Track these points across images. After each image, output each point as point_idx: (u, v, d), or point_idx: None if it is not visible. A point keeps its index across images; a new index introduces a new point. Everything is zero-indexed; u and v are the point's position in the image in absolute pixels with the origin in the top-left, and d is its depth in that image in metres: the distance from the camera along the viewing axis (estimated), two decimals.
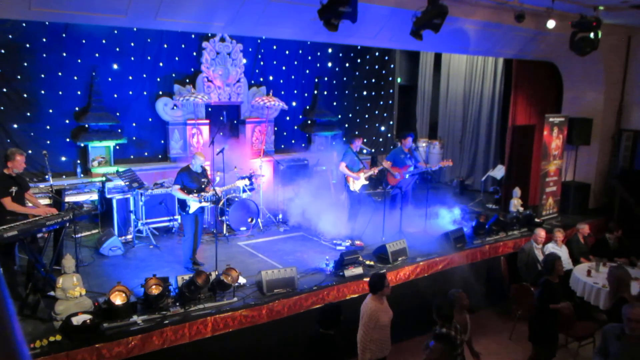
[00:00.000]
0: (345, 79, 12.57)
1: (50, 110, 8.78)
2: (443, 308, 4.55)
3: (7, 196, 5.56)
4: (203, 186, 6.74)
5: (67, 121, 8.96)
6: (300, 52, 11.66)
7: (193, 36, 10.00)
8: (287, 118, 11.71)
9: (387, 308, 5.09)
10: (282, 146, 11.70)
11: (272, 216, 9.16)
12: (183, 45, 9.99)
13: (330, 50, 12.15)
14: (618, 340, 4.57)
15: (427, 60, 13.78)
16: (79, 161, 9.09)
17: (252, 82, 10.96)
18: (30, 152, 8.52)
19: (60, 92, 8.83)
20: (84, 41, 8.85)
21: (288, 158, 10.97)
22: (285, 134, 11.79)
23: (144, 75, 9.65)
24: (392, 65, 13.47)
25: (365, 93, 13.06)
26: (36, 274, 5.60)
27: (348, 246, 7.69)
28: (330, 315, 4.56)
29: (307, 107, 12.07)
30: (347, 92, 12.69)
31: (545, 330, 5.80)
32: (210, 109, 10.48)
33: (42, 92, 8.65)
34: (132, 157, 9.73)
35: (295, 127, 11.99)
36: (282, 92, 11.27)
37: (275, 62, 11.35)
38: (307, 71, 11.89)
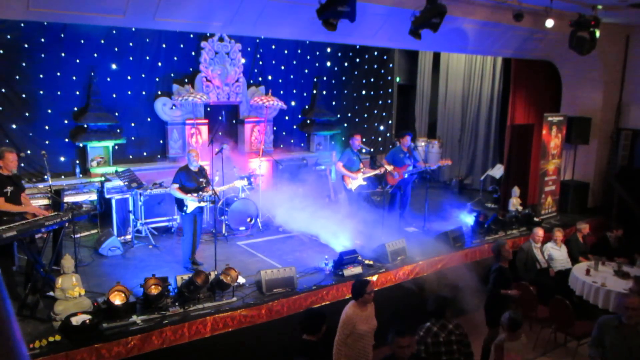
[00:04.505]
0: (344, 78, 12.57)
1: (49, 111, 8.77)
2: (431, 304, 4.74)
3: (1, 196, 5.51)
4: (202, 186, 6.73)
5: (65, 121, 8.96)
6: (299, 51, 11.66)
7: (192, 36, 10.00)
8: (286, 117, 11.71)
9: (368, 317, 4.91)
10: (281, 146, 11.70)
11: (271, 216, 9.15)
12: (182, 45, 9.98)
13: (329, 50, 12.14)
14: (615, 330, 4.60)
15: (426, 60, 13.79)
16: (77, 161, 9.08)
17: (251, 81, 10.96)
18: (29, 152, 8.52)
19: (59, 92, 8.82)
20: (82, 41, 8.84)
21: (287, 157, 10.98)
22: (284, 133, 11.79)
23: (143, 75, 9.64)
24: (391, 65, 13.47)
25: (364, 92, 13.06)
26: (35, 274, 5.60)
27: (347, 246, 7.68)
28: (312, 320, 4.40)
29: (306, 107, 12.07)
30: (346, 91, 12.69)
31: (500, 313, 5.89)
32: (209, 109, 10.48)
33: (41, 92, 8.64)
34: (131, 157, 9.72)
35: (294, 127, 12.00)
36: (281, 92, 11.27)
37: (274, 62, 11.35)
38: (306, 71, 11.89)
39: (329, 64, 12.24)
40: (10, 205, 5.56)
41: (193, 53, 10.13)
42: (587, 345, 5.73)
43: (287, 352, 5.87)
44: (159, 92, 9.85)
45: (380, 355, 5.47)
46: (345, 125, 12.65)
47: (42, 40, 8.52)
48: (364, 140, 9.07)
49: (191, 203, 6.65)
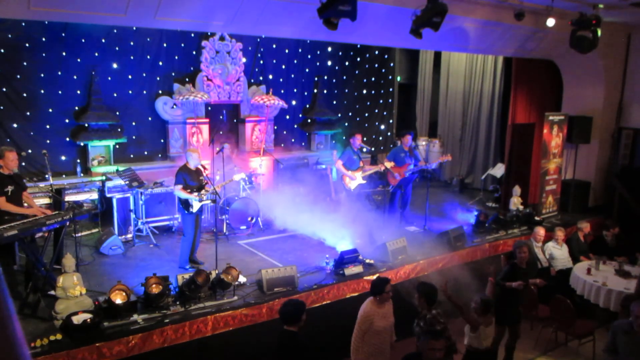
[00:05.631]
0: (345, 77, 12.57)
1: (50, 110, 8.77)
2: (431, 294, 4.86)
3: (2, 196, 5.51)
4: (202, 184, 6.74)
5: (66, 120, 8.96)
6: (300, 50, 11.66)
7: (192, 35, 9.99)
8: (287, 117, 11.71)
9: (386, 313, 4.94)
10: (282, 145, 11.70)
11: (272, 217, 9.13)
12: (182, 44, 9.98)
13: (329, 49, 12.14)
14: (626, 336, 4.61)
15: (426, 59, 13.77)
16: (78, 160, 9.09)
17: (252, 80, 10.95)
18: (30, 151, 8.53)
19: (60, 92, 8.82)
20: (83, 40, 8.84)
21: (288, 157, 10.99)
22: (285, 132, 11.78)
23: (144, 74, 9.64)
24: (391, 64, 13.46)
25: (365, 92, 13.06)
26: (36, 273, 5.60)
27: (348, 245, 7.67)
28: (292, 310, 4.38)
29: (307, 106, 12.07)
30: (346, 90, 12.68)
31: (508, 309, 5.98)
32: (209, 108, 10.49)
33: (42, 91, 8.64)
34: (132, 156, 9.72)
35: (295, 126, 11.99)
36: (282, 91, 11.27)
37: (274, 61, 11.35)
38: (307, 70, 11.89)
39: (329, 63, 12.24)
40: (10, 206, 5.55)
41: (194, 52, 10.13)
42: (602, 350, 5.76)
43: None
44: (160, 91, 9.85)
45: (403, 349, 5.52)
46: (346, 124, 12.65)
47: (43, 39, 8.52)
48: (364, 139, 9.06)
49: (196, 202, 6.66)
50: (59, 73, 8.76)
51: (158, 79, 9.81)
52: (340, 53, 12.35)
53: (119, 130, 9.38)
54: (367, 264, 6.90)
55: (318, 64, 12.01)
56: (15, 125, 8.46)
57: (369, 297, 5.01)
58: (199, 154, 6.84)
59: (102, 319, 4.96)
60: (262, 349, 5.73)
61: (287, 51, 11.44)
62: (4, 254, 5.58)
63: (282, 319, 4.42)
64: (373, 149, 12.51)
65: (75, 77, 8.92)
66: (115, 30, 9.04)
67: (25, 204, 5.94)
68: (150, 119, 9.86)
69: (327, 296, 6.29)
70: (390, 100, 13.61)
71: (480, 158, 12.44)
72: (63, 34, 8.64)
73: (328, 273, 6.65)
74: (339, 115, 12.41)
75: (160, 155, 10.04)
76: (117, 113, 9.32)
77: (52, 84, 8.71)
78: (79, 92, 9.01)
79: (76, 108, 9.02)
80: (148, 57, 9.60)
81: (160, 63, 9.79)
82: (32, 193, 6.87)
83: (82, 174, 8.98)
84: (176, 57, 9.96)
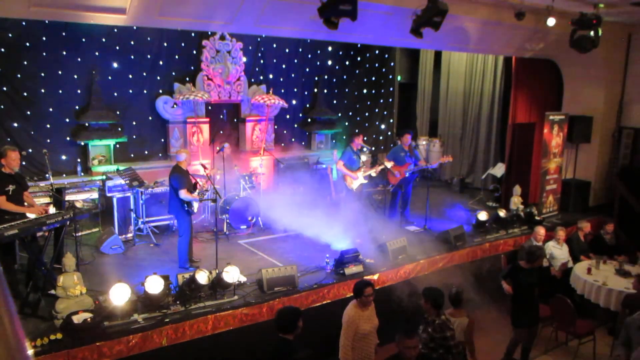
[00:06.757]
0: (345, 77, 12.56)
1: (51, 109, 8.78)
2: (440, 298, 4.71)
3: (2, 195, 5.51)
4: (195, 183, 6.76)
5: (67, 120, 8.97)
6: (300, 50, 11.66)
7: (193, 34, 9.99)
8: (287, 116, 11.71)
9: (369, 316, 4.89)
10: (282, 144, 11.70)
11: (273, 217, 9.11)
12: (183, 44, 9.98)
13: (330, 49, 12.14)
14: (639, 331, 4.62)
15: (427, 58, 13.77)
16: (79, 160, 9.10)
17: (252, 80, 10.95)
18: (30, 151, 8.54)
19: (61, 91, 8.83)
20: (83, 40, 8.85)
21: (288, 156, 10.99)
22: (285, 132, 11.78)
23: (144, 74, 9.64)
24: (392, 64, 13.46)
25: (365, 91, 13.06)
26: (37, 272, 5.60)
27: (348, 244, 7.67)
28: (287, 319, 4.30)
29: (307, 106, 12.07)
30: (347, 90, 12.68)
31: (525, 311, 5.97)
32: (210, 107, 10.49)
33: (42, 90, 8.65)
34: (132, 155, 9.73)
35: (296, 126, 11.99)
36: (282, 91, 11.26)
37: (275, 61, 11.35)
38: (307, 69, 11.89)
39: (330, 62, 12.24)
40: (11, 205, 5.54)
41: (194, 52, 10.13)
42: (616, 344, 5.76)
43: None
44: (160, 91, 9.85)
45: (386, 353, 5.49)
46: (347, 123, 12.65)
47: (44, 38, 8.53)
48: (364, 139, 9.06)
49: (196, 202, 6.67)
50: (60, 72, 8.76)
51: (158, 78, 9.81)
52: (340, 52, 12.34)
53: (120, 129, 9.38)
54: (367, 264, 6.90)
55: (318, 63, 12.01)
56: (15, 125, 8.47)
57: (352, 301, 4.93)
58: (187, 154, 6.85)
59: (102, 319, 4.96)
60: (263, 348, 5.73)
61: (287, 51, 11.43)
62: (4, 253, 5.58)
63: (277, 327, 4.33)
64: (373, 148, 12.50)
65: (75, 76, 8.92)
66: (115, 30, 9.04)
67: (26, 204, 5.93)
68: (150, 118, 9.86)
69: (327, 296, 6.30)
70: (390, 100, 13.61)
71: (481, 158, 12.44)
72: (63, 34, 8.64)
73: (328, 272, 6.65)
74: (339, 114, 12.41)
75: (160, 155, 10.05)
76: (118, 112, 9.33)
77: (52, 83, 8.71)
78: (79, 91, 9.01)
79: (77, 107, 9.02)
80: (148, 56, 9.60)
81: (161, 62, 9.79)
82: (32, 192, 6.87)
83: (82, 174, 8.98)
84: (176, 57, 9.96)
